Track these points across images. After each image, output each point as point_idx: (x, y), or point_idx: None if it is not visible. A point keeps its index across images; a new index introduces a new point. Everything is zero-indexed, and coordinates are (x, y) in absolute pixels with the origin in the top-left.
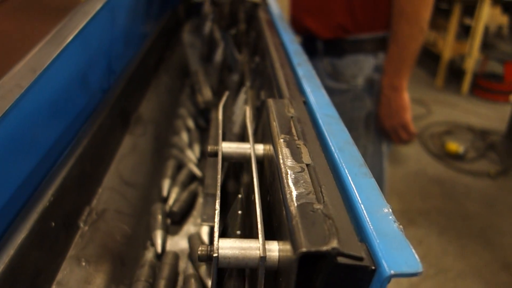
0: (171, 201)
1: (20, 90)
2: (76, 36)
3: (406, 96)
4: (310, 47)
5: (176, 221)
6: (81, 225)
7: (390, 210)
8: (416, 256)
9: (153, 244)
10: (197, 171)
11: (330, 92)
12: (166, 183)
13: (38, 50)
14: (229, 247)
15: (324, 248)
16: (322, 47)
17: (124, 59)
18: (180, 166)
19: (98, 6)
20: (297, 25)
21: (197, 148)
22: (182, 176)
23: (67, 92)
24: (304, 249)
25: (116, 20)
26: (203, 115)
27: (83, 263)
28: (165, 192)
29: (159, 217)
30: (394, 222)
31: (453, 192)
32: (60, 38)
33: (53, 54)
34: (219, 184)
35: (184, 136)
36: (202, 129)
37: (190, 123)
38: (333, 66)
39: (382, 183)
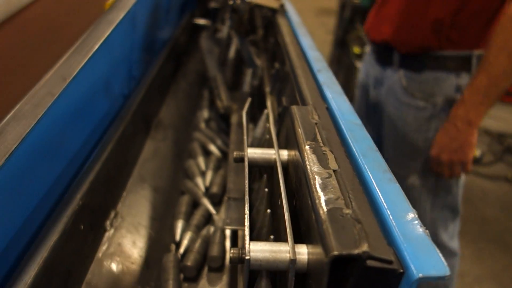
0: (182, 248)
1: (52, 98)
2: (101, 44)
3: (476, 133)
4: (384, 57)
5: (190, 277)
6: (108, 227)
7: (416, 215)
8: (443, 259)
9: None
10: (211, 209)
11: (404, 107)
12: (179, 225)
13: (67, 58)
14: (260, 250)
15: (356, 251)
16: (399, 59)
17: (143, 65)
18: (194, 202)
19: (122, 15)
20: (373, 33)
21: (209, 176)
22: (197, 217)
23: (92, 98)
24: (336, 252)
25: (137, 28)
26: (222, 124)
27: (111, 265)
28: (178, 236)
29: (172, 272)
30: (420, 226)
31: (470, 196)
32: (87, 46)
33: (81, 62)
34: (246, 189)
35: (201, 161)
36: (223, 152)
37: (208, 147)
38: (409, 80)
39: (458, 198)
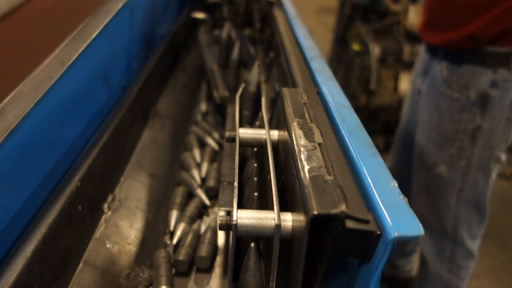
0: (175, 239)
1: (51, 82)
2: (100, 33)
3: None
4: (432, 49)
5: (182, 272)
6: (105, 210)
7: (396, 185)
8: (418, 221)
9: None
10: (206, 200)
11: (440, 96)
12: (173, 216)
13: (66, 44)
14: (247, 217)
15: (334, 211)
16: (442, 52)
17: (143, 59)
18: (189, 193)
19: (120, 5)
20: (421, 34)
21: (205, 167)
22: (190, 209)
23: (91, 86)
24: (315, 212)
25: (135, 20)
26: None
27: (108, 245)
28: (172, 227)
29: (164, 268)
30: (399, 194)
31: None
32: (86, 34)
33: (79, 48)
34: (236, 164)
35: (196, 154)
36: (219, 144)
37: (204, 140)
38: (450, 72)
39: (485, 196)
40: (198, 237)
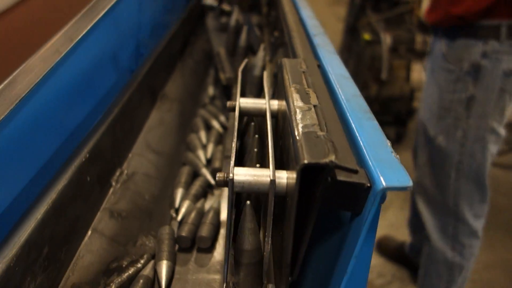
0: (180, 216)
1: (59, 56)
2: (107, 12)
3: None
4: (434, 29)
5: (185, 248)
6: (113, 183)
7: (390, 144)
8: (407, 174)
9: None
10: (211, 179)
11: (439, 70)
12: (179, 193)
13: (74, 22)
14: (243, 174)
15: (323, 160)
16: (442, 30)
17: (151, 45)
18: (195, 173)
19: None
20: (425, 15)
21: (210, 149)
22: (195, 187)
23: (100, 65)
24: (305, 161)
25: (144, 5)
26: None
27: (115, 215)
28: (177, 204)
29: (166, 243)
30: (391, 152)
31: None
32: (94, 12)
33: (87, 26)
34: (236, 127)
35: (202, 135)
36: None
37: (210, 123)
38: (448, 47)
39: (484, 170)
40: (201, 215)
